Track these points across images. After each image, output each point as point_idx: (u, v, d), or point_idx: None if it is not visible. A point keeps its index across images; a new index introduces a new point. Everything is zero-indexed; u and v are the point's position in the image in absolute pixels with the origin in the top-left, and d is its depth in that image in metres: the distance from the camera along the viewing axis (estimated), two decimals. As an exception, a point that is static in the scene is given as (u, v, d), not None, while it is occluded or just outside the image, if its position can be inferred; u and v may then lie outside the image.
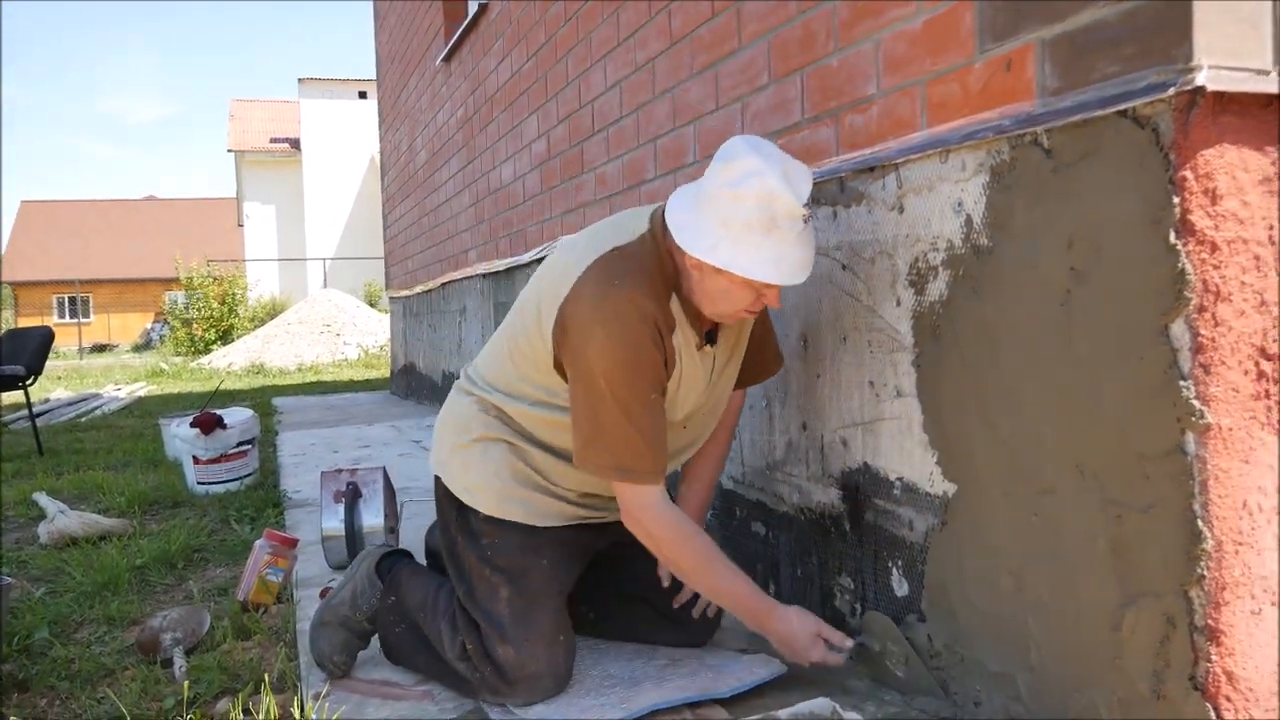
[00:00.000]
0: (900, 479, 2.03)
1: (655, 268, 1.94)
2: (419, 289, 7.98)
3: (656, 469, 1.93)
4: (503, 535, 2.05)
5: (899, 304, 2.02)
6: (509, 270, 5.26)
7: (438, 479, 2.18)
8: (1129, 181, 1.48)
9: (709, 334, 2.03)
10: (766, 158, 1.81)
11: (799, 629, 2.00)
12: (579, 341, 1.88)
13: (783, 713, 1.74)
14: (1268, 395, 1.45)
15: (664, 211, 1.95)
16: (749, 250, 1.80)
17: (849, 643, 2.00)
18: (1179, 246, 1.41)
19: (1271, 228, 1.45)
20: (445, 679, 2.12)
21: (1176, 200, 1.41)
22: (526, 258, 4.79)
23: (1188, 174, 1.41)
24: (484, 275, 5.83)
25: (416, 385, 8.39)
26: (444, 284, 7.04)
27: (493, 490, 2.07)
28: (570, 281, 1.92)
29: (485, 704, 2.04)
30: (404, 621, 2.19)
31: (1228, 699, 1.42)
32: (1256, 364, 1.44)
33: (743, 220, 1.79)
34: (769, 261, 1.81)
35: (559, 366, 1.97)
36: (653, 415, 1.91)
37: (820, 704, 1.75)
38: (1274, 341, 1.45)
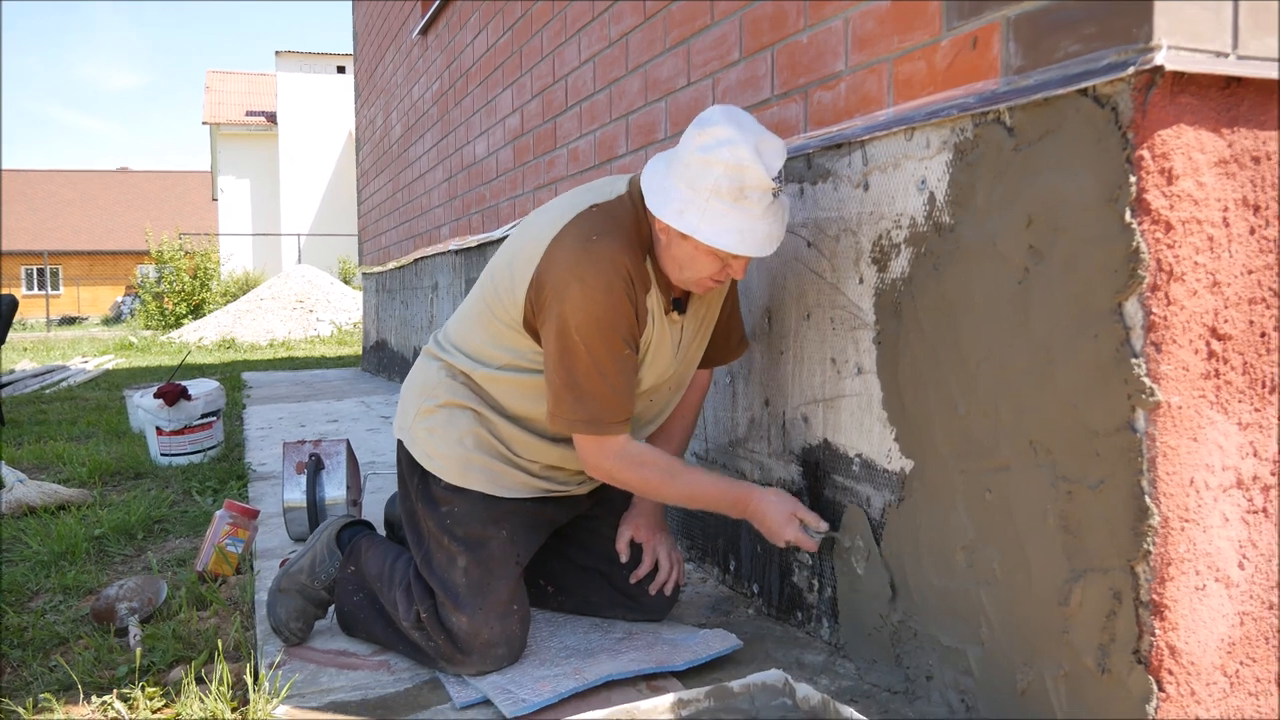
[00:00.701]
0: (859, 455, 2.04)
1: (633, 227, 1.94)
2: (392, 265, 7.94)
3: (624, 419, 1.95)
4: (463, 504, 2.05)
5: (862, 281, 2.02)
6: (481, 246, 5.23)
7: (401, 444, 2.17)
8: (1087, 160, 1.49)
9: (678, 302, 2.03)
10: (741, 128, 1.81)
11: (777, 508, 2.05)
12: (555, 296, 1.88)
13: (735, 683, 1.74)
14: (1217, 375, 1.46)
15: (640, 176, 1.95)
16: (715, 218, 1.80)
17: (823, 525, 2.05)
18: (1134, 225, 1.42)
19: (1226, 210, 1.46)
20: (402, 648, 2.11)
21: (1133, 179, 1.41)
22: (499, 233, 4.77)
23: (1145, 153, 1.41)
24: (456, 251, 5.80)
25: (388, 362, 8.36)
26: (417, 260, 7.00)
27: (456, 458, 2.06)
28: (547, 239, 1.92)
29: (441, 673, 2.04)
30: (361, 591, 2.18)
31: (1170, 673, 1.43)
32: (1207, 343, 1.45)
33: (710, 187, 1.79)
34: (733, 231, 1.81)
35: (529, 327, 1.96)
36: (624, 369, 1.92)
37: (773, 675, 1.75)
38: (1225, 322, 1.46)
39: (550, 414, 1.96)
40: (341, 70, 27.77)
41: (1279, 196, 1.50)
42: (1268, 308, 1.49)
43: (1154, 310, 1.42)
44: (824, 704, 1.66)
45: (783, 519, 2.04)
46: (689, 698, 1.72)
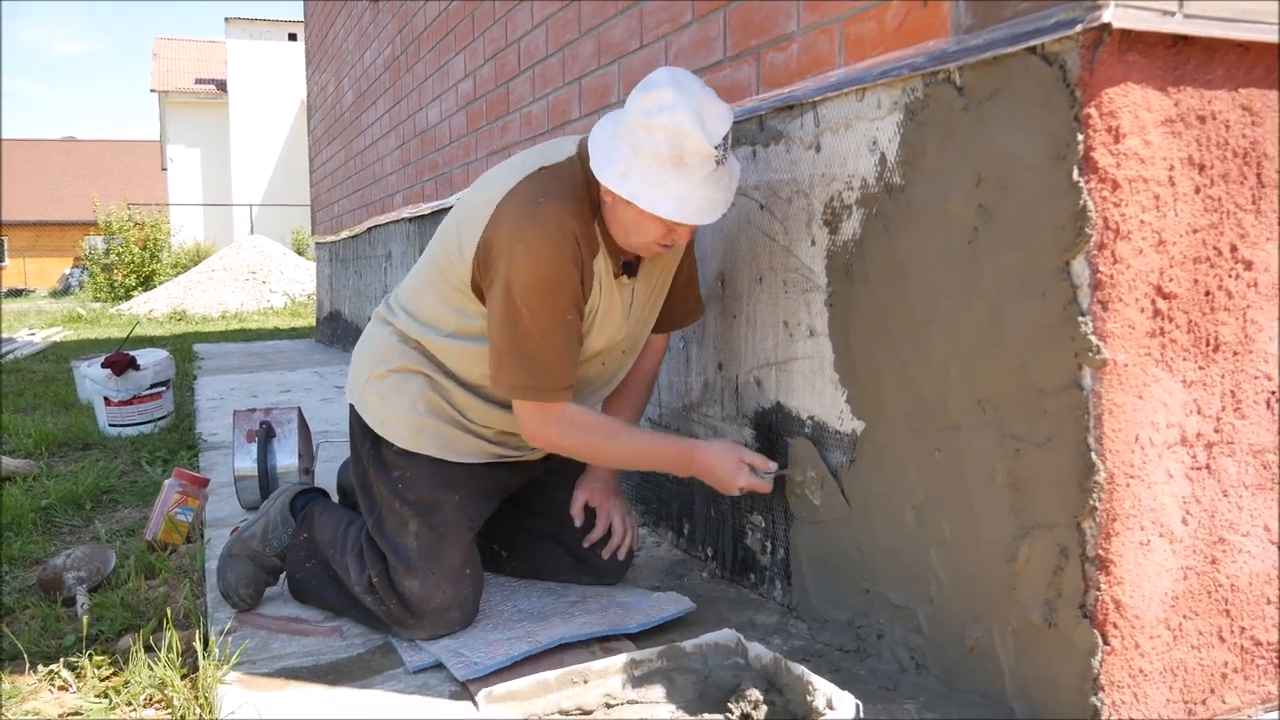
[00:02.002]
0: (811, 417, 2.05)
1: (582, 189, 1.92)
2: (345, 234, 7.83)
3: (566, 386, 1.94)
4: (415, 469, 2.03)
5: (814, 243, 2.02)
6: (434, 214, 5.17)
7: (353, 409, 2.15)
8: (1036, 118, 1.49)
9: (627, 265, 2.02)
10: (683, 92, 1.79)
11: (723, 457, 2.03)
12: (500, 257, 1.86)
13: (687, 644, 1.75)
14: (1163, 333, 1.48)
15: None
16: (656, 184, 1.79)
17: (772, 465, 2.04)
18: (1081, 183, 1.42)
19: (1172, 168, 1.47)
20: (354, 614, 2.10)
21: (1081, 137, 1.42)
22: (452, 200, 4.72)
23: (1092, 111, 1.42)
24: (410, 219, 5.73)
25: (342, 332, 8.27)
26: (370, 229, 6.91)
27: (408, 423, 2.04)
28: (495, 201, 1.90)
29: (395, 639, 2.03)
30: (314, 558, 2.16)
31: (1115, 626, 1.46)
32: (1153, 302, 1.47)
33: (651, 153, 1.77)
34: (673, 198, 1.79)
35: (477, 289, 1.94)
36: (568, 335, 1.91)
37: (725, 635, 1.76)
38: (1170, 280, 1.47)
39: (492, 378, 1.95)
40: (293, 38, 27.25)
41: (1223, 156, 1.51)
42: (1212, 267, 1.51)
43: (1101, 269, 1.43)
44: (775, 662, 1.67)
45: (732, 467, 2.02)
46: (641, 658, 1.72)
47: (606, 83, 2.95)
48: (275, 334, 11.00)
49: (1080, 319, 1.44)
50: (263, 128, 27.62)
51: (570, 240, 1.86)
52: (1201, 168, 1.49)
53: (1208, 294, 1.51)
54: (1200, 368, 1.51)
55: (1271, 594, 1.59)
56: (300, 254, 20.82)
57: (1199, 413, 1.51)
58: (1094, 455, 1.44)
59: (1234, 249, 1.52)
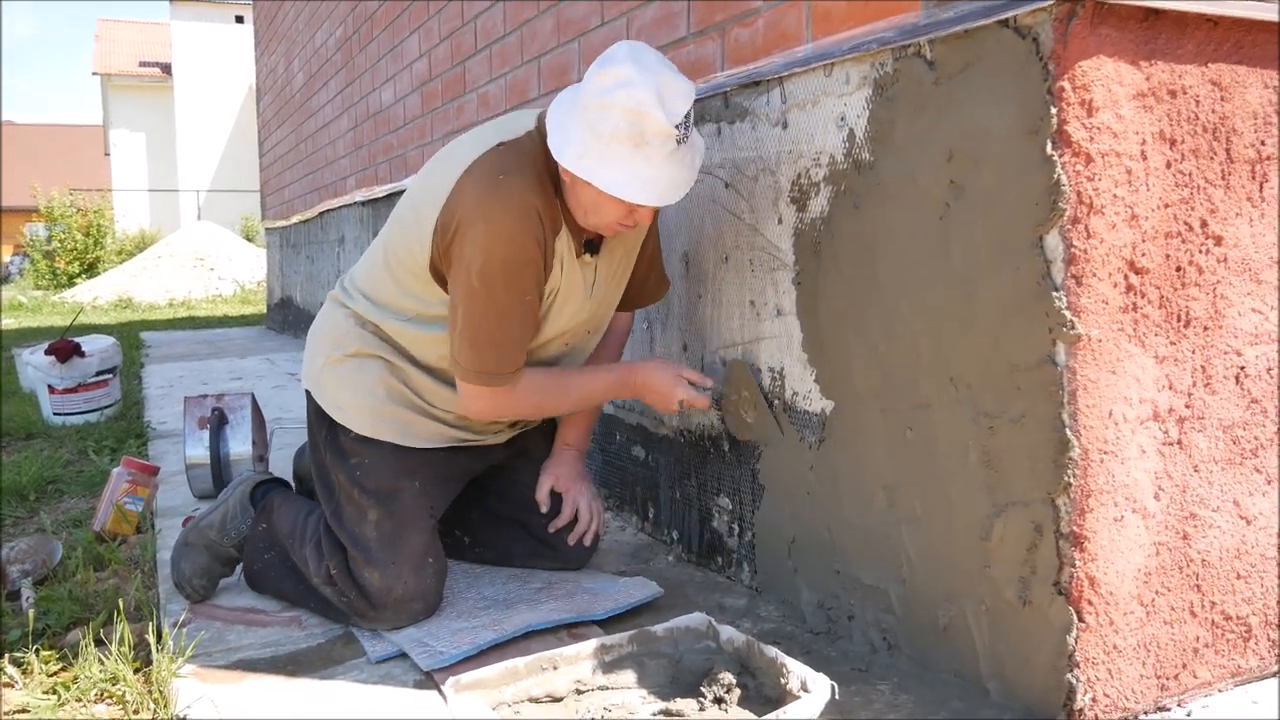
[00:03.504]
0: (779, 398, 2.02)
1: (542, 165, 1.87)
2: (296, 219, 7.70)
3: (515, 369, 1.93)
4: (374, 456, 1.98)
5: (781, 221, 1.99)
6: (389, 197, 5.09)
7: (309, 395, 2.09)
8: (1008, 92, 1.47)
9: (589, 243, 1.98)
10: (642, 69, 1.73)
11: (660, 371, 2.07)
12: (460, 237, 1.81)
13: (658, 628, 1.72)
14: (1135, 308, 1.47)
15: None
16: (615, 165, 1.74)
17: (709, 381, 2.10)
18: (1055, 157, 1.41)
19: (1144, 143, 1.46)
20: (313, 605, 2.05)
21: (1054, 111, 1.40)
22: (407, 183, 4.64)
23: (1065, 85, 1.40)
24: (363, 203, 5.64)
25: (294, 319, 8.13)
26: (322, 213, 6.79)
27: (366, 408, 1.99)
28: (453, 179, 1.85)
29: (355, 629, 1.98)
30: (273, 549, 2.11)
31: (1089, 603, 1.45)
32: (1125, 277, 1.46)
33: (610, 132, 1.73)
34: (633, 179, 1.75)
35: (436, 272, 1.89)
36: (526, 317, 1.88)
37: (696, 619, 1.74)
38: (1143, 255, 1.47)
39: (450, 357, 1.92)
40: (240, 20, 26.70)
41: (1194, 131, 1.50)
42: (1183, 242, 1.50)
43: (1074, 243, 1.41)
44: (748, 645, 1.64)
45: (670, 380, 2.06)
46: (612, 643, 1.70)
47: (567, 61, 2.90)
48: (225, 321, 10.81)
49: (1054, 294, 1.43)
50: (209, 112, 27.08)
51: (533, 218, 1.81)
52: (1172, 142, 1.48)
53: (1179, 269, 1.50)
54: (1172, 343, 1.50)
55: (1241, 569, 1.59)
56: (249, 240, 20.48)
57: (1170, 388, 1.51)
58: (1068, 431, 1.43)
59: (1204, 224, 1.52)
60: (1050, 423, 1.45)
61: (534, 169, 1.85)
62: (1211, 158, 1.52)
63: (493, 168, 1.83)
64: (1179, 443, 1.52)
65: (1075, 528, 1.44)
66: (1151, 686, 1.52)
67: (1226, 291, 1.54)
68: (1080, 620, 1.45)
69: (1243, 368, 1.57)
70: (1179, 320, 1.51)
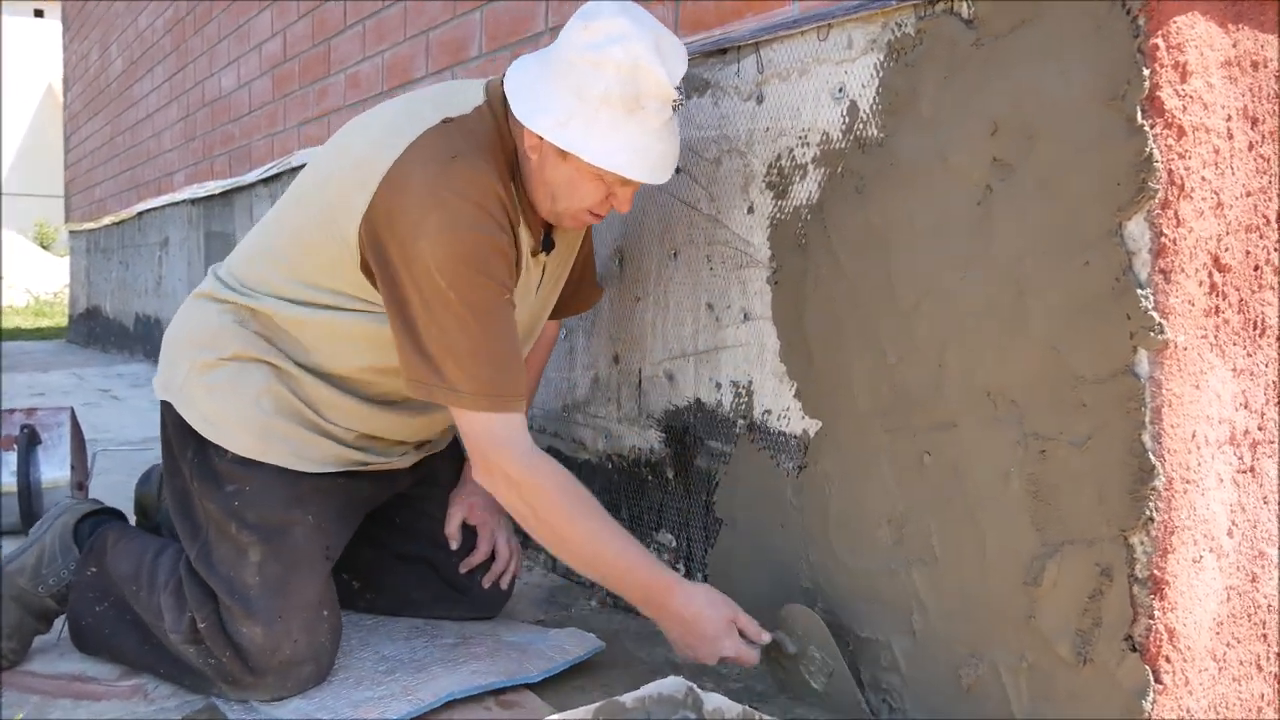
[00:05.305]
0: (745, 417, 1.74)
1: (497, 146, 1.54)
2: (109, 220, 6.97)
3: (521, 391, 1.53)
4: (257, 482, 1.58)
5: (751, 210, 1.72)
6: (227, 194, 4.57)
7: (167, 407, 1.66)
8: (1080, 52, 1.24)
9: (546, 239, 1.66)
10: (637, 22, 1.46)
11: (711, 612, 1.53)
12: (409, 232, 1.45)
13: (627, 697, 1.39)
14: (1218, 312, 1.26)
15: (502, 83, 1.56)
16: (604, 131, 1.45)
17: (766, 636, 1.55)
18: (1146, 127, 1.18)
19: (1229, 119, 1.26)
20: (163, 669, 1.63)
21: (1146, 73, 1.18)
22: (252, 177, 4.15)
23: (1159, 42, 1.18)
24: (193, 201, 5.07)
25: (102, 331, 7.35)
26: (141, 213, 6.14)
27: (248, 423, 1.59)
28: (386, 159, 1.49)
29: (221, 699, 1.57)
30: (108, 598, 1.67)
31: (1168, 660, 1.22)
32: (1210, 275, 1.24)
33: (600, 94, 1.43)
34: (627, 149, 1.46)
35: (367, 269, 1.52)
36: (508, 320, 1.52)
37: (671, 684, 1.41)
38: (1226, 250, 1.26)
39: (418, 382, 1.49)
40: (40, 14, 24.82)
41: (1273, 111, 1.31)
42: (1261, 237, 1.30)
43: (1164, 231, 1.19)
44: (746, 717, 1.34)
45: (721, 625, 1.52)
46: (572, 718, 1.36)
47: (465, 34, 2.56)
48: (18, 334, 9.77)
49: (1139, 291, 1.19)
50: (3, 113, 24.97)
51: (496, 203, 1.48)
52: (1254, 121, 1.28)
53: (1256, 268, 1.30)
54: (1248, 354, 1.30)
55: (1302, 614, 1.40)
56: (45, 248, 18.92)
57: (1246, 407, 1.30)
58: (1151, 455, 1.20)
59: (1280, 218, 1.33)
60: (1126, 445, 1.22)
61: (490, 151, 1.52)
62: (1286, 143, 1.33)
63: (441, 148, 1.48)
64: (1251, 470, 1.32)
65: (1157, 571, 1.21)
66: (1223, 756, 1.30)
67: (1296, 297, 1.36)
68: (1157, 681, 1.22)
69: (1306, 385, 1.38)
70: (1255, 328, 1.30)
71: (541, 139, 1.49)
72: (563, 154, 1.49)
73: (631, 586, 1.59)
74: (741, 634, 1.53)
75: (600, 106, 1.44)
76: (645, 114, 1.46)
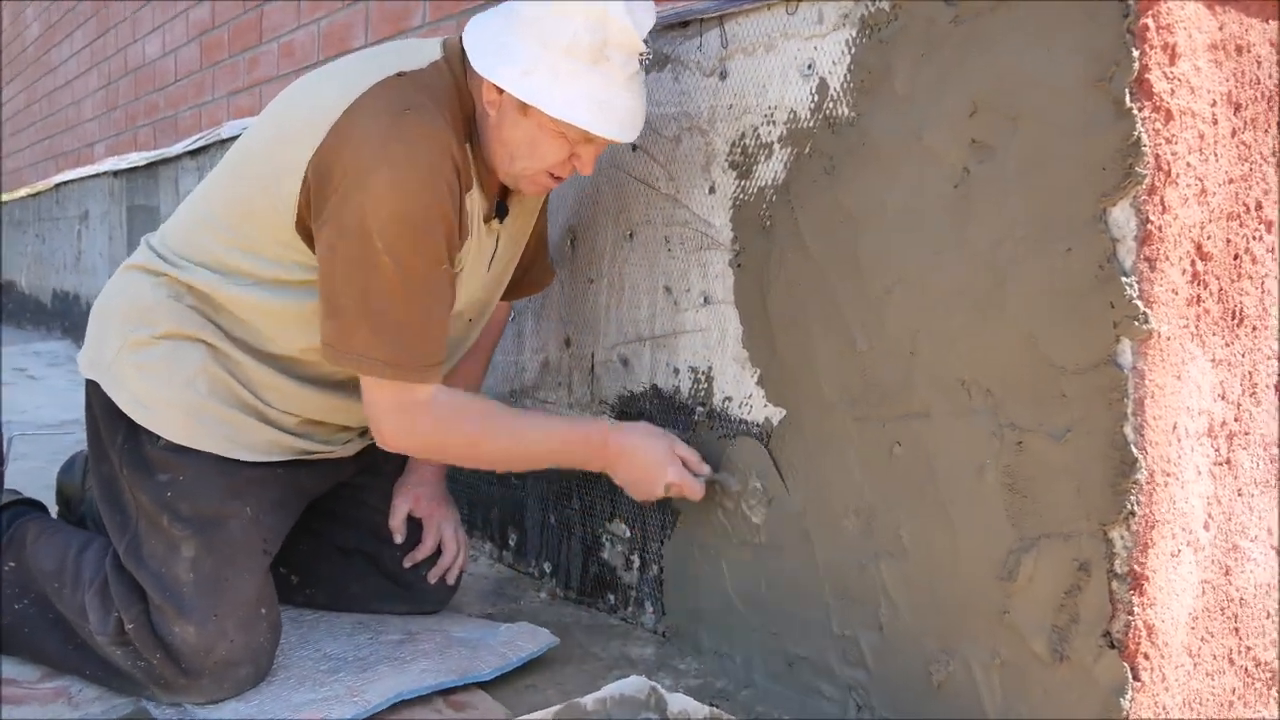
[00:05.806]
0: (704, 405, 1.68)
1: (454, 102, 1.45)
2: (23, 192, 6.67)
3: (438, 361, 1.46)
4: (191, 471, 1.48)
5: (714, 191, 1.65)
6: (151, 166, 4.38)
7: (94, 387, 1.55)
8: (1070, 31, 1.19)
9: (501, 205, 1.57)
10: None
11: (649, 443, 1.55)
12: (350, 184, 1.36)
13: (588, 699, 1.34)
14: (1199, 301, 1.23)
15: (460, 39, 1.47)
16: (568, 82, 1.37)
17: (706, 468, 1.59)
18: (1134, 111, 1.14)
19: (1214, 104, 1.22)
20: (89, 670, 1.53)
21: (1135, 54, 1.14)
22: (178, 148, 3.97)
23: (1149, 23, 1.14)
24: (115, 173, 4.86)
25: (17, 307, 7.06)
26: (59, 185, 5.88)
27: (182, 407, 1.49)
28: (333, 113, 1.39)
29: (152, 703, 1.48)
30: (28, 595, 1.56)
31: (1146, 657, 1.19)
32: (1192, 263, 1.21)
33: (566, 43, 1.36)
34: (592, 101, 1.39)
35: (305, 229, 1.43)
36: (439, 291, 1.44)
37: (634, 684, 1.36)
38: (1209, 238, 1.23)
39: (330, 345, 1.43)
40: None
41: (1255, 97, 1.28)
42: (1241, 225, 1.28)
43: (1150, 218, 1.15)
44: (714, 718, 1.29)
45: (661, 454, 1.55)
46: (530, 722, 1.29)
47: (407, 1, 2.45)
48: (-77, 310, 9.34)
49: (1123, 279, 1.16)
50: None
51: (448, 163, 1.39)
52: (1238, 107, 1.26)
53: (1235, 257, 1.27)
54: (1226, 344, 1.27)
55: (1271, 607, 1.39)
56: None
57: (1224, 398, 1.28)
58: (1133, 448, 1.16)
59: (1259, 206, 1.30)
60: (1108, 437, 1.18)
61: (447, 107, 1.44)
62: (1266, 130, 1.30)
63: (393, 99, 1.39)
64: (1228, 462, 1.29)
65: (1136, 566, 1.18)
66: (1195, 752, 1.28)
67: (1271, 286, 1.33)
68: (1135, 678, 1.19)
69: None
70: (1233, 318, 1.28)
71: (501, 93, 1.41)
72: (524, 109, 1.41)
73: (569, 450, 1.60)
74: (685, 465, 1.56)
75: (563, 56, 1.37)
76: (610, 65, 1.39)
